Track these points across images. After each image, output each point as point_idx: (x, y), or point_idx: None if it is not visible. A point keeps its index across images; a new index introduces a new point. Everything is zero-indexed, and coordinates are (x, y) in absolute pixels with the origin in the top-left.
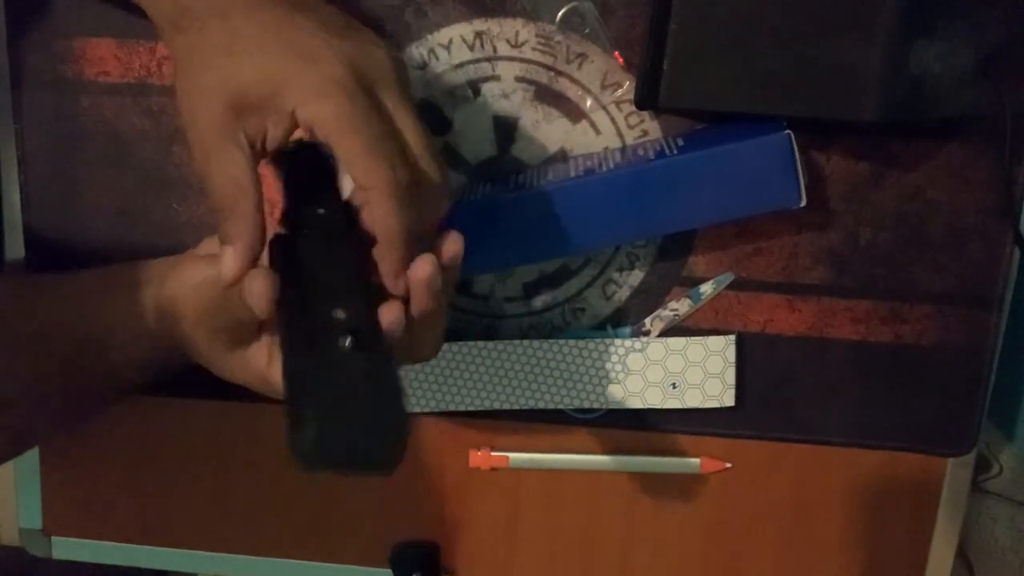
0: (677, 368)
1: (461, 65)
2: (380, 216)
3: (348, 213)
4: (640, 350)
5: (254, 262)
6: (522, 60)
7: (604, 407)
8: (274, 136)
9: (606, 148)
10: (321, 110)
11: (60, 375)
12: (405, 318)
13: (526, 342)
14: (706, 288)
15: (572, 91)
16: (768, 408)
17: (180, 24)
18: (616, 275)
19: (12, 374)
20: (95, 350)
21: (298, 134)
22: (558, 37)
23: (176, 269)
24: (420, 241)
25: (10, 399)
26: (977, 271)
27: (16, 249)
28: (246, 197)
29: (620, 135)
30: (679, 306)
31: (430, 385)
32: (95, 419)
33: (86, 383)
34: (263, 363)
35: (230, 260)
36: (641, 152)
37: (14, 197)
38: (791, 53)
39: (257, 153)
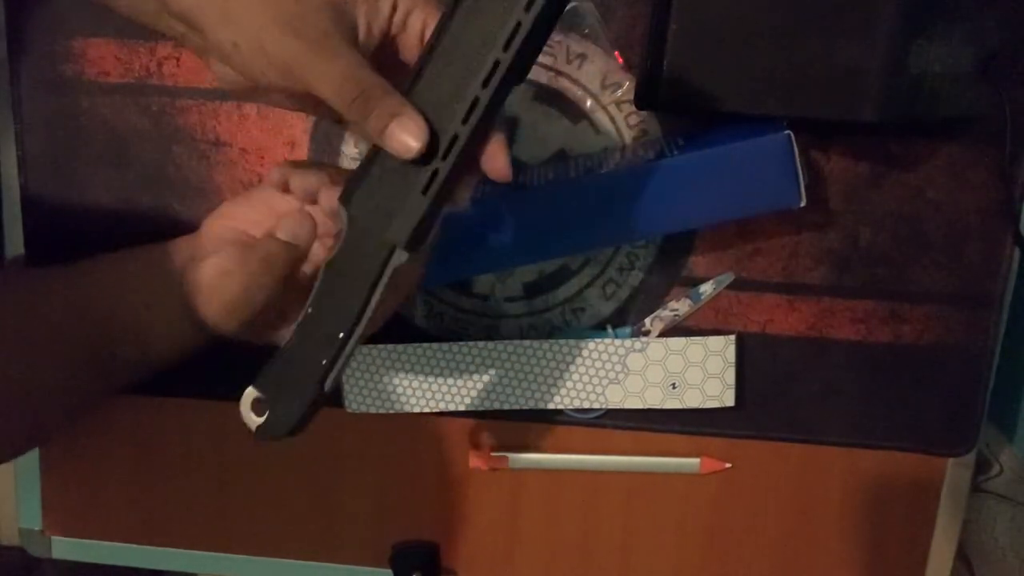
0: (677, 368)
1: None
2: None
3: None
4: (640, 350)
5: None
6: None
7: (604, 407)
8: (375, 27)
9: (606, 148)
10: None
11: (91, 364)
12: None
13: (526, 342)
14: (706, 288)
15: (572, 91)
16: (768, 408)
17: None
18: (616, 275)
19: (33, 364)
20: (133, 336)
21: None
22: (558, 37)
23: (196, 264)
24: None
25: (33, 390)
26: (977, 271)
27: (16, 249)
28: (380, 82)
29: (620, 135)
30: (679, 306)
31: (430, 385)
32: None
33: (120, 369)
34: None
35: (412, 131)
36: (641, 152)
37: (14, 197)
38: (791, 53)
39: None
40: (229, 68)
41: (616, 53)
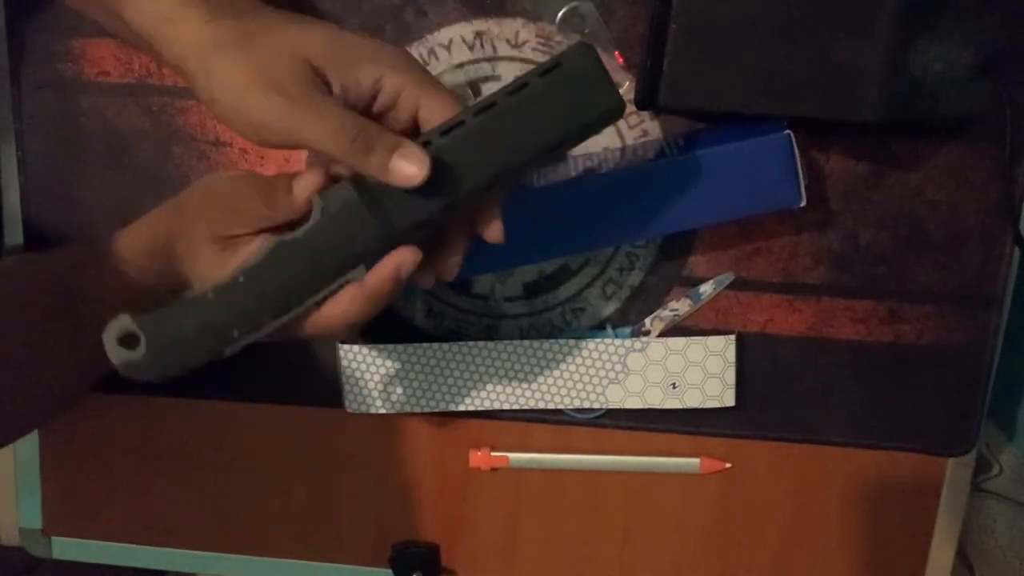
0: (677, 368)
1: (461, 65)
2: None
3: None
4: (640, 350)
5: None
6: (522, 60)
7: (604, 407)
8: (351, 96)
9: (606, 148)
10: (413, 76)
11: (53, 308)
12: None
13: (526, 342)
14: (706, 288)
15: None
16: (768, 408)
17: (225, 13)
18: (616, 275)
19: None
20: (88, 266)
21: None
22: (558, 37)
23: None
24: None
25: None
26: (977, 271)
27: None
28: (368, 124)
29: (620, 135)
30: (679, 306)
31: (430, 385)
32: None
33: (82, 307)
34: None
35: (415, 161)
36: (641, 152)
37: (14, 197)
38: (791, 53)
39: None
40: None
41: (616, 53)
